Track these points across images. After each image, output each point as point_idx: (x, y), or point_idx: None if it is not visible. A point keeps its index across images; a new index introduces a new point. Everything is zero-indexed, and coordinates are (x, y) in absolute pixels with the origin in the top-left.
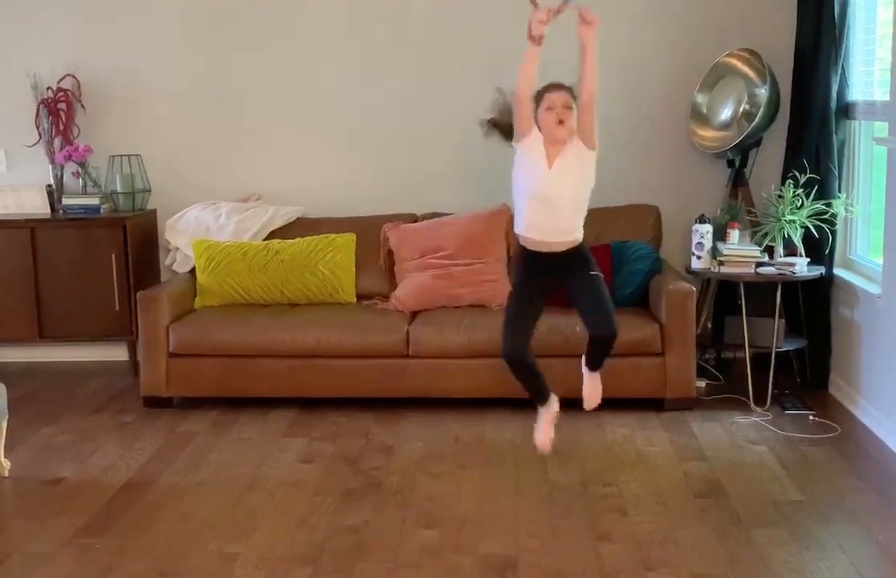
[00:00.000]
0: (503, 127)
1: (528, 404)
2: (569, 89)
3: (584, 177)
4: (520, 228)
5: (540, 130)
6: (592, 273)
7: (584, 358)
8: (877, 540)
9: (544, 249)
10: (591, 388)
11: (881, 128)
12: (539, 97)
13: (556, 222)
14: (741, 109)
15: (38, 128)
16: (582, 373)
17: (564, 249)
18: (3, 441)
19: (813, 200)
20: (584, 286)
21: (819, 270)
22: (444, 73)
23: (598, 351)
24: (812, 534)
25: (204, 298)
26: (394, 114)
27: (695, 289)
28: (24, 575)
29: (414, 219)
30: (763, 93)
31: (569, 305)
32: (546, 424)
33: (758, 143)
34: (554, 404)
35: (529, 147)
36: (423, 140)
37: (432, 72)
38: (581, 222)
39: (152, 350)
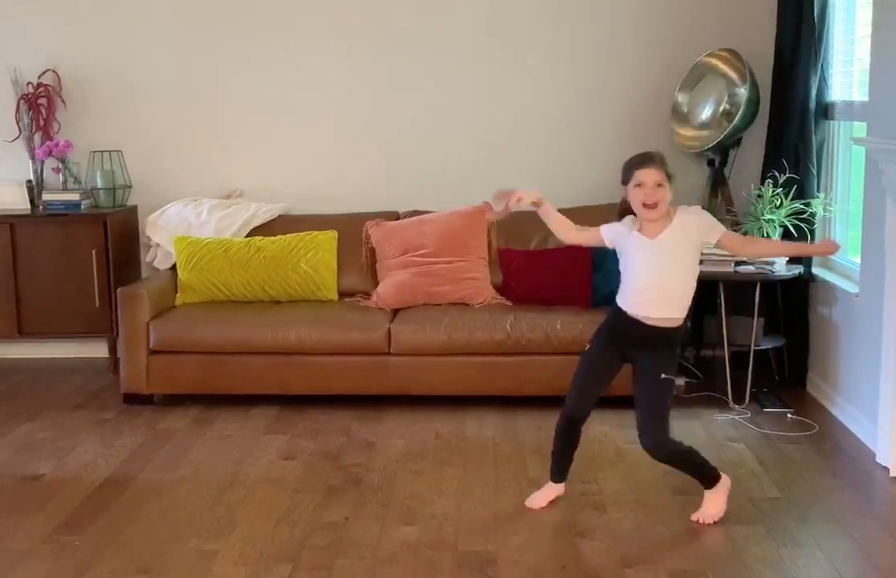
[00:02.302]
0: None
1: (509, 402)
2: (661, 164)
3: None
4: None
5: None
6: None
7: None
8: (853, 537)
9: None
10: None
11: (860, 128)
12: (627, 169)
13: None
14: (721, 109)
15: (18, 123)
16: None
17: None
18: None
19: (792, 200)
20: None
21: (797, 269)
22: (425, 72)
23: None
24: (789, 531)
25: (185, 295)
26: (376, 112)
27: None
28: (2, 572)
29: (396, 216)
30: (743, 92)
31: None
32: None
33: (738, 143)
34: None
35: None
36: (405, 138)
37: (414, 70)
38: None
39: (132, 346)
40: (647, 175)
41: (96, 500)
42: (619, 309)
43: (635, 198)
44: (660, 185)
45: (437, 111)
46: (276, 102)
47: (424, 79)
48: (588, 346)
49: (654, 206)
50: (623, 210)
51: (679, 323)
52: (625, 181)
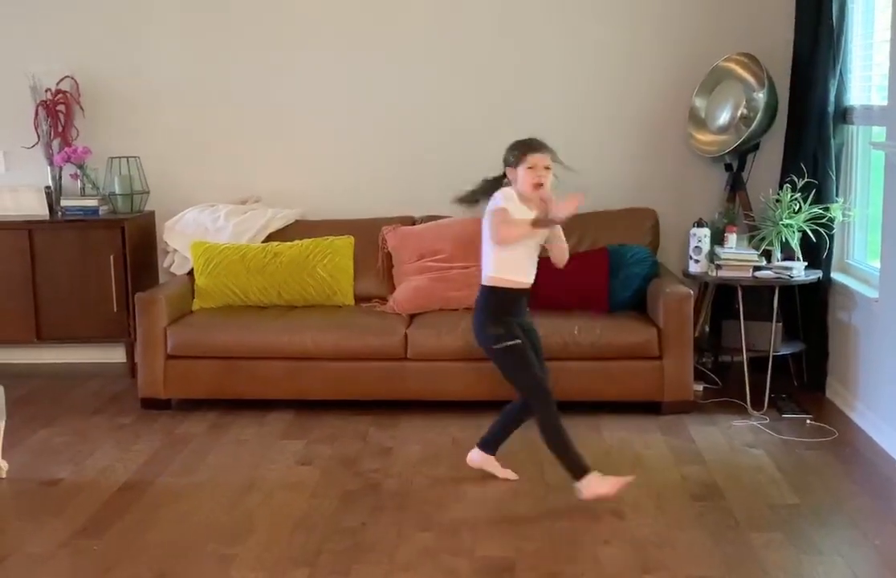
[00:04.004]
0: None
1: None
2: (550, 151)
3: None
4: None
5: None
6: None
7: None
8: (873, 544)
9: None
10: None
11: (879, 132)
12: (519, 152)
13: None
14: (739, 113)
15: (36, 129)
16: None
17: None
18: (0, 442)
19: (810, 204)
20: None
21: (816, 274)
22: (441, 77)
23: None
24: (809, 538)
25: (202, 300)
26: (392, 117)
27: (692, 292)
28: (22, 576)
29: (412, 221)
30: (761, 97)
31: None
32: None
33: (756, 147)
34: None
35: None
36: (422, 143)
37: (430, 75)
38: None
39: (150, 351)
40: (539, 159)
41: (114, 505)
42: (507, 287)
43: (526, 179)
44: (547, 168)
45: (453, 116)
46: (292, 108)
47: (440, 83)
48: (513, 343)
49: (542, 186)
50: (492, 185)
51: None
52: (514, 164)
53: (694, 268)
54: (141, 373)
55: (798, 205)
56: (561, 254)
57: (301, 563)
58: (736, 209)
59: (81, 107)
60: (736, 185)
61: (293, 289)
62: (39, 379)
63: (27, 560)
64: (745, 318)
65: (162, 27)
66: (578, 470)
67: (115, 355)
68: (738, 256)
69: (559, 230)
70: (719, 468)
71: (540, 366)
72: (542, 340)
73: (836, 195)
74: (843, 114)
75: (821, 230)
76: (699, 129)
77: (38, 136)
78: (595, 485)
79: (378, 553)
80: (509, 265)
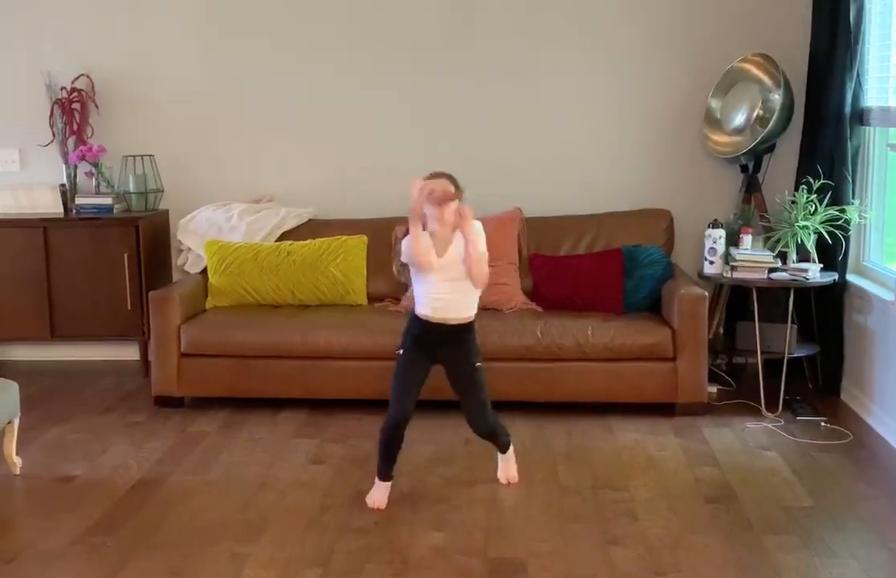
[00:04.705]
0: None
1: (539, 408)
2: (451, 179)
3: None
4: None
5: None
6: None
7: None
8: (888, 547)
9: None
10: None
11: None
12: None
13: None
14: (755, 114)
15: (51, 127)
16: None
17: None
18: (14, 439)
19: (826, 206)
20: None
21: (832, 276)
22: (455, 78)
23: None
24: (823, 540)
25: (215, 299)
26: (405, 116)
27: (707, 294)
28: (35, 573)
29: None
30: (777, 98)
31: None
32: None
33: (771, 149)
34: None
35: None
36: (434, 143)
37: (444, 76)
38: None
39: (164, 350)
40: (437, 184)
41: (128, 502)
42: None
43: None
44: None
45: (466, 117)
46: (306, 107)
47: (454, 85)
48: (400, 352)
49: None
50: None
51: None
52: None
53: (709, 270)
54: (154, 371)
55: (814, 206)
56: (469, 268)
57: (314, 562)
58: (751, 210)
59: (96, 106)
60: (751, 187)
61: (306, 288)
62: (53, 376)
63: (40, 557)
64: (759, 320)
65: (177, 27)
66: (383, 474)
67: (128, 353)
68: (753, 258)
69: (473, 242)
70: (733, 470)
71: (465, 399)
72: (553, 341)
73: (853, 197)
74: (860, 116)
75: (837, 232)
76: (714, 130)
77: (54, 134)
78: (379, 495)
79: (391, 553)
80: (418, 297)
